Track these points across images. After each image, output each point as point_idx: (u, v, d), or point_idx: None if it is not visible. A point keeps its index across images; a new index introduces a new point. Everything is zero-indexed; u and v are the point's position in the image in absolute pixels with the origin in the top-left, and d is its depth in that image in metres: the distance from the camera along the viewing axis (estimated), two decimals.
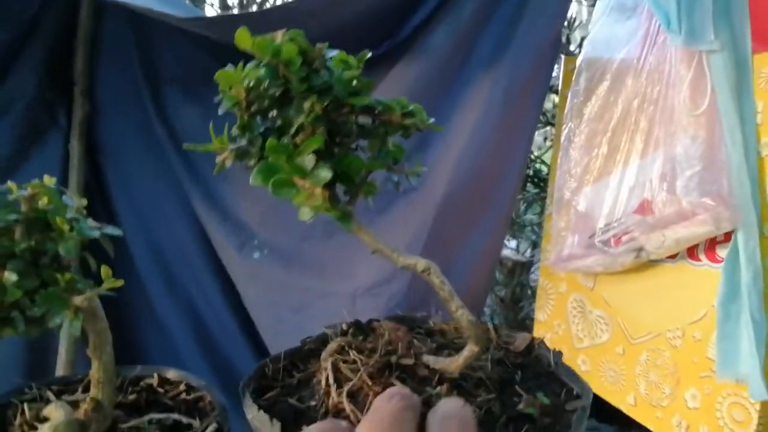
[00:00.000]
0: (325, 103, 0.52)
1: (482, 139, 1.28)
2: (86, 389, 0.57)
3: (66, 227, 0.47)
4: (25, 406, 0.55)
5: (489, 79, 1.26)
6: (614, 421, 1.68)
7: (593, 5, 1.61)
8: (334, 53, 0.55)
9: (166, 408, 0.58)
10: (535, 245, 2.37)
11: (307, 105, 0.52)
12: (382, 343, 0.60)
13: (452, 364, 0.55)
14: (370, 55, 0.56)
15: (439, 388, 0.54)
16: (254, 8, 2.57)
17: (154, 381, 0.61)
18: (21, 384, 0.59)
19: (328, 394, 0.54)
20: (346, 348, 0.58)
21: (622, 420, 1.46)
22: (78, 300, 0.47)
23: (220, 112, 0.55)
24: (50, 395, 0.58)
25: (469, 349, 0.54)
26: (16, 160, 1.59)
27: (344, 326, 0.64)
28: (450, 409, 0.41)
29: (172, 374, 0.62)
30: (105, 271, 0.48)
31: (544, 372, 0.59)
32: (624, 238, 1.12)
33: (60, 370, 1.48)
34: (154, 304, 1.66)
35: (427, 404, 0.51)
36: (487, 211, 1.36)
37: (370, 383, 0.53)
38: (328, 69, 0.54)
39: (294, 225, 1.49)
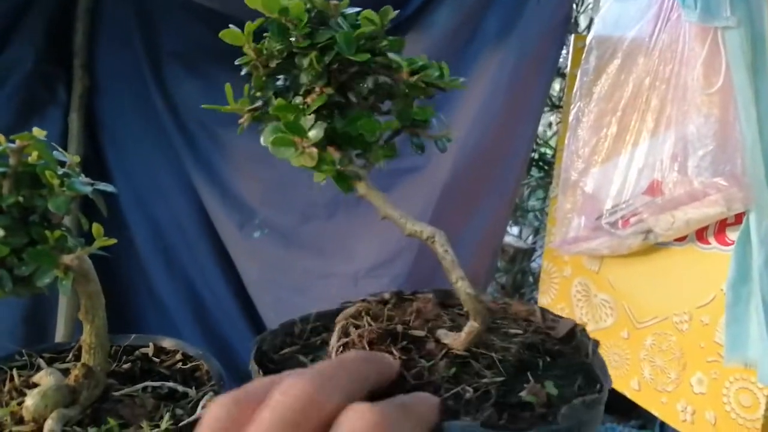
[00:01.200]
0: (328, 60, 0.49)
1: (488, 120, 1.25)
2: (77, 357, 0.55)
3: (56, 182, 0.45)
4: (14, 372, 0.53)
5: (496, 58, 1.24)
6: (614, 411, 1.67)
7: None
8: (355, 10, 0.53)
9: (162, 377, 0.56)
10: (537, 231, 2.35)
11: (306, 61, 0.49)
12: (402, 312, 0.58)
13: (456, 339, 0.53)
14: (397, 12, 0.53)
15: (435, 362, 0.52)
16: None
17: (150, 350, 0.59)
18: (12, 351, 0.57)
19: (330, 354, 0.53)
20: (363, 313, 0.57)
21: (622, 409, 1.44)
22: (68, 258, 0.45)
23: (243, 72, 0.53)
24: (41, 362, 0.56)
25: (470, 325, 0.52)
26: (14, 131, 1.56)
27: (386, 295, 0.63)
28: (357, 428, 0.30)
29: (168, 343, 0.60)
30: (96, 229, 0.46)
31: (578, 362, 0.56)
32: (632, 220, 1.10)
33: (60, 333, 1.47)
34: (152, 281, 1.64)
35: (419, 377, 0.49)
36: (492, 194, 1.33)
37: (368, 348, 0.52)
38: (343, 26, 0.52)
39: (295, 204, 1.47)
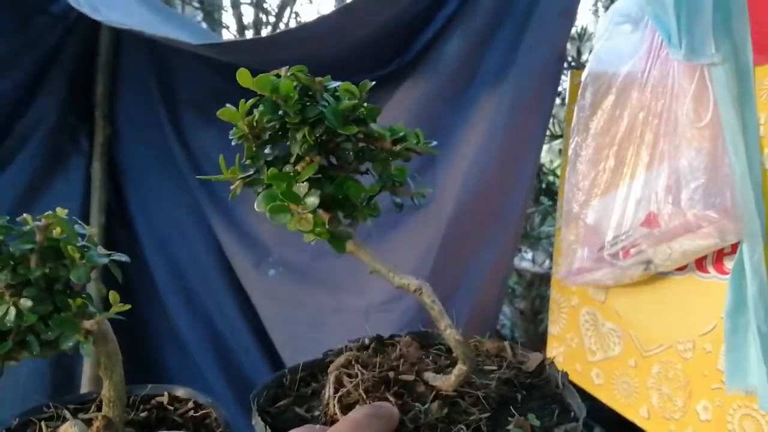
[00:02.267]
0: (318, 133, 0.55)
1: (489, 157, 1.30)
2: (99, 407, 0.60)
3: (77, 255, 0.51)
4: (43, 424, 0.58)
5: (494, 97, 1.29)
6: None
7: (596, 17, 1.62)
8: (337, 84, 0.58)
9: (175, 425, 0.61)
10: (552, 257, 2.36)
11: (299, 135, 0.55)
12: (388, 358, 0.62)
13: (446, 382, 0.57)
14: (373, 83, 0.58)
15: (428, 405, 0.56)
16: (268, 30, 2.63)
17: (164, 399, 0.64)
18: (39, 403, 0.62)
19: (328, 405, 0.57)
20: (353, 362, 0.61)
21: None
22: (88, 324, 0.50)
23: (233, 142, 0.59)
24: (67, 413, 0.61)
25: (459, 368, 0.56)
26: (40, 181, 1.64)
27: (366, 340, 0.67)
28: None
29: (181, 392, 0.65)
30: (113, 296, 0.51)
31: (551, 393, 0.60)
32: (632, 251, 1.13)
33: (85, 386, 1.52)
34: (173, 321, 1.70)
35: (415, 420, 0.54)
36: (497, 226, 1.37)
37: (365, 396, 0.56)
38: (328, 100, 0.57)
39: (306, 243, 1.52)
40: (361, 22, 1.31)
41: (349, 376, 0.59)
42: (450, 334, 0.55)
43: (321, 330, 1.48)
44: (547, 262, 2.42)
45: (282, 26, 2.62)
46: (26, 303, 0.49)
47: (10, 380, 1.52)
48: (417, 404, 0.55)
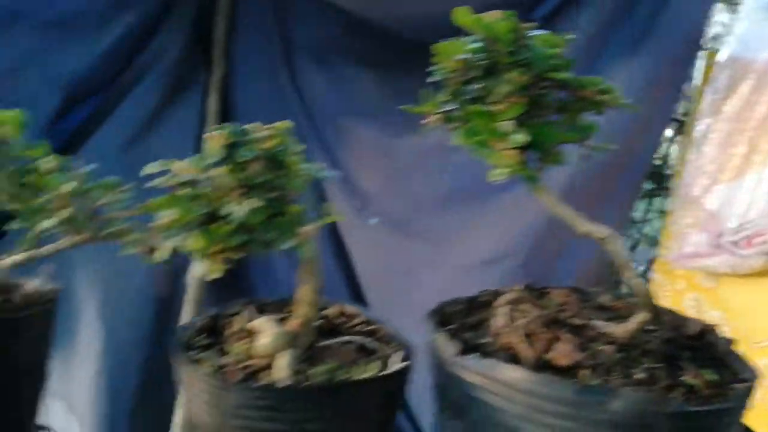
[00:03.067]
0: (529, 75, 0.56)
1: (614, 131, 1.28)
2: (278, 309, 0.65)
3: (298, 166, 0.54)
4: (235, 318, 0.63)
5: (627, 68, 1.26)
6: None
7: (734, 4, 1.56)
8: (538, 32, 0.60)
9: (349, 335, 0.65)
10: (635, 246, 2.31)
11: (511, 77, 0.56)
12: (554, 303, 0.65)
13: (621, 328, 0.59)
14: (573, 36, 0.60)
15: (602, 348, 0.58)
16: None
17: (334, 311, 0.68)
18: (226, 303, 0.68)
19: (498, 334, 0.60)
20: (521, 301, 0.64)
21: None
22: (306, 229, 0.54)
23: (432, 79, 0.61)
24: (249, 313, 0.66)
25: (641, 316, 0.58)
26: (159, 111, 1.72)
27: (517, 287, 0.70)
28: None
29: (349, 309, 0.69)
30: (328, 207, 0.55)
31: (716, 355, 0.61)
32: (756, 241, 1.11)
33: (187, 311, 1.61)
34: (270, 263, 1.75)
35: (592, 358, 0.56)
36: (608, 207, 1.36)
37: (540, 331, 0.59)
38: (528, 46, 0.59)
39: (412, 195, 1.55)
40: None
41: (518, 311, 0.62)
42: (637, 282, 0.57)
43: (415, 283, 1.52)
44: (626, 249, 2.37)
45: None
46: (253, 203, 0.53)
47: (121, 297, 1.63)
48: (591, 345, 0.58)
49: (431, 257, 1.50)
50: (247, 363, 0.55)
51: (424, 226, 1.53)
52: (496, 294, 0.72)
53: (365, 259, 1.63)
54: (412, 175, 1.55)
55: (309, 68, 1.72)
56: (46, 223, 0.58)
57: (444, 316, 0.66)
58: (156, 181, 0.54)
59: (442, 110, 0.62)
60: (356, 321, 0.68)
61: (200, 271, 0.52)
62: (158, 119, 1.72)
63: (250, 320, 0.63)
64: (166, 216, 0.53)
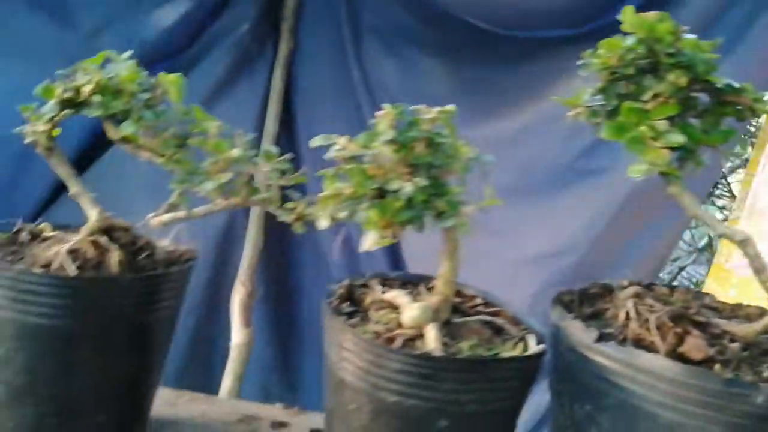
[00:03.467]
0: (688, 78, 0.58)
1: None
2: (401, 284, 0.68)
3: (464, 151, 0.57)
4: (367, 290, 0.66)
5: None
6: None
7: None
8: (687, 36, 0.62)
9: (468, 315, 0.68)
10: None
11: (672, 77, 0.59)
12: (675, 299, 0.68)
13: (747, 328, 0.62)
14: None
15: (730, 345, 0.61)
16: None
17: None
18: (354, 275, 0.71)
19: (626, 326, 0.62)
20: (643, 295, 0.66)
21: None
22: (469, 209, 0.57)
23: (583, 73, 0.63)
24: (377, 286, 0.69)
25: None
26: (225, 83, 1.74)
27: (625, 282, 0.72)
28: None
29: (467, 289, 0.72)
30: (488, 190, 0.57)
31: None
32: None
33: (240, 279, 1.65)
34: (319, 243, 1.78)
35: (721, 353, 0.59)
36: (671, 208, 1.37)
37: (670, 325, 0.61)
38: (684, 49, 0.61)
39: (472, 186, 1.57)
40: None
41: (642, 305, 0.65)
42: None
43: (470, 275, 1.54)
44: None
45: None
46: (420, 182, 0.55)
47: None
48: (716, 342, 0.60)
49: (487, 249, 1.52)
50: (397, 332, 0.58)
51: (482, 218, 1.54)
52: (605, 287, 0.75)
53: (418, 249, 1.65)
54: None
55: (377, 52, 1.73)
56: (208, 186, 0.61)
57: (562, 305, 0.68)
58: (331, 154, 0.57)
59: (588, 104, 0.64)
60: (476, 302, 0.70)
61: (371, 242, 0.55)
62: (224, 91, 1.74)
63: (383, 293, 0.65)
64: (338, 188, 0.55)
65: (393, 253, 1.74)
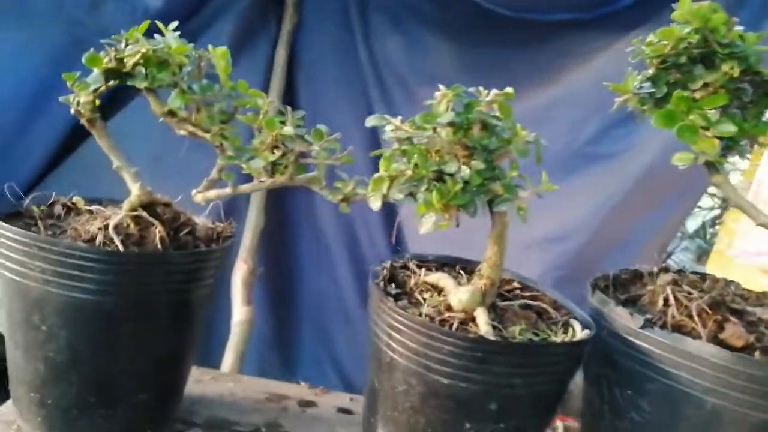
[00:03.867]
0: (741, 69, 0.59)
1: None
2: (438, 267, 0.68)
3: (523, 134, 0.57)
4: (415, 271, 0.66)
5: None
6: None
7: None
8: (739, 29, 0.62)
9: (509, 299, 0.68)
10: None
11: (726, 67, 0.59)
12: (709, 286, 0.69)
13: None
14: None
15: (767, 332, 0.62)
16: None
17: None
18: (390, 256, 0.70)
19: (665, 312, 0.63)
20: (679, 282, 0.67)
21: None
22: (524, 194, 0.57)
23: (633, 60, 0.63)
24: (414, 266, 0.69)
25: None
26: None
27: (655, 268, 0.73)
28: None
29: (504, 273, 0.72)
30: (545, 176, 0.57)
31: None
32: None
33: (242, 257, 1.63)
34: (319, 226, 1.78)
35: (760, 340, 0.60)
36: (680, 190, 1.38)
37: (710, 312, 0.62)
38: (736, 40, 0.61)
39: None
40: None
41: (680, 292, 0.66)
42: None
43: (472, 254, 1.55)
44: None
45: None
46: (478, 165, 0.55)
47: None
48: (755, 328, 0.62)
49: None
50: (448, 315, 0.58)
51: None
52: (635, 273, 0.76)
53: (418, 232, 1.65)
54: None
55: (384, 29, 1.70)
56: (257, 163, 0.60)
57: (600, 290, 0.69)
58: (388, 135, 0.56)
59: (638, 91, 0.64)
60: (513, 285, 0.71)
61: (429, 224, 0.54)
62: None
63: (426, 275, 0.66)
64: (397, 169, 0.55)
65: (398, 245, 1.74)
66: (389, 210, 1.72)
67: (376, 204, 0.57)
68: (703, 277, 0.75)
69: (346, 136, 1.71)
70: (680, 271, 0.74)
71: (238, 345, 1.57)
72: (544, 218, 1.50)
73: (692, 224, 2.32)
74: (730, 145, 0.64)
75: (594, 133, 1.44)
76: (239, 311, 1.59)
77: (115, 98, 1.52)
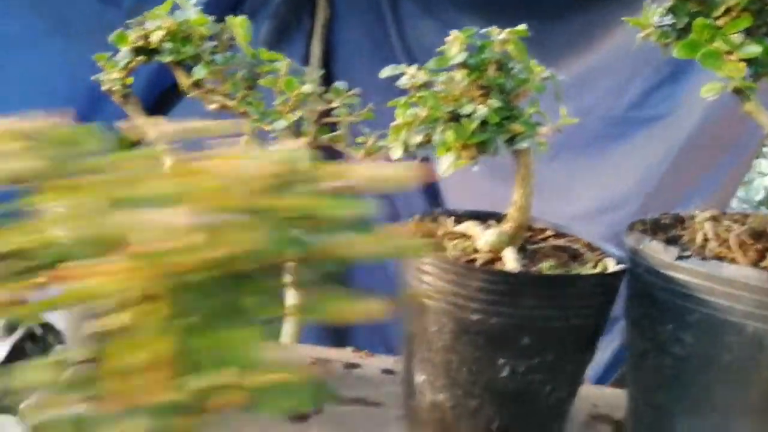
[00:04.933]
0: None
1: None
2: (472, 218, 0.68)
3: (538, 69, 0.57)
4: (444, 221, 0.67)
5: None
6: None
7: None
8: None
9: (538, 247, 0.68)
10: None
11: None
12: (751, 220, 0.67)
13: None
14: None
15: None
16: None
17: None
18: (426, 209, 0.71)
19: (704, 246, 0.62)
20: (719, 218, 0.66)
21: None
22: (544, 130, 0.57)
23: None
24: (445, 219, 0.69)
25: None
26: None
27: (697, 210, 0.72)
28: None
29: (537, 223, 0.72)
30: (563, 111, 0.57)
31: None
32: None
33: None
34: None
35: None
36: (729, 155, 1.34)
37: (750, 242, 0.61)
38: None
39: None
40: None
41: (722, 228, 0.64)
42: None
43: None
44: None
45: None
46: (494, 104, 0.56)
47: None
48: None
49: (539, 207, 1.51)
50: (474, 256, 0.59)
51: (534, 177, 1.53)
52: (676, 217, 0.75)
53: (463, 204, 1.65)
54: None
55: (416, 15, 1.72)
56: (281, 124, 0.62)
57: (636, 232, 0.68)
58: (401, 81, 0.57)
59: (658, 24, 0.63)
60: (547, 234, 0.71)
61: (447, 165, 0.55)
62: None
63: (455, 225, 0.66)
64: (412, 114, 0.56)
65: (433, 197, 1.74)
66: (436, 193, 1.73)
67: (397, 153, 0.59)
68: (746, 215, 0.73)
69: (383, 121, 1.74)
70: (722, 212, 0.72)
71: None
72: (590, 188, 1.47)
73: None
74: (759, 71, 0.62)
75: (636, 97, 1.40)
76: None
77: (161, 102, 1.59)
